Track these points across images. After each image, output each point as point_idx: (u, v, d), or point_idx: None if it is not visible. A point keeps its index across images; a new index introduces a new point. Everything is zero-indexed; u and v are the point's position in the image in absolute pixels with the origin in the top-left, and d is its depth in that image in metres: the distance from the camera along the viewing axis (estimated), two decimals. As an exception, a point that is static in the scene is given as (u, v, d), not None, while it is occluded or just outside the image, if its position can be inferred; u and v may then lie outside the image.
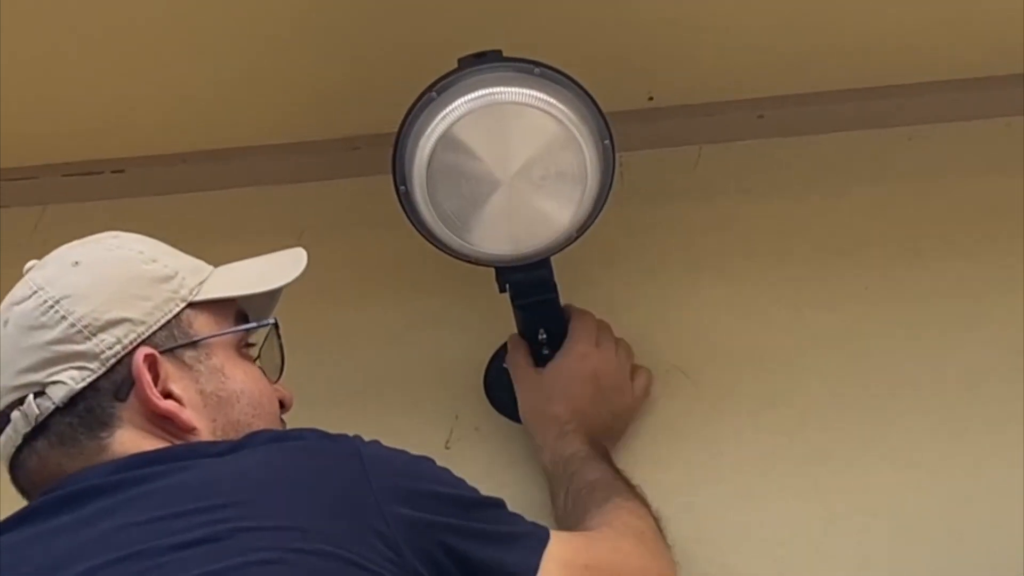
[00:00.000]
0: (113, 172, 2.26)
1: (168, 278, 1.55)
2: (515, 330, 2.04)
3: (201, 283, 1.58)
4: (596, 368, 1.93)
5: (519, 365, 1.97)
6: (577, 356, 1.93)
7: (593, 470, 1.81)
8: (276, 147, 2.24)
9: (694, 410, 2.06)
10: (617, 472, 1.86)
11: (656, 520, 1.80)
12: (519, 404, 1.98)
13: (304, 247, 2.17)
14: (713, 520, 1.99)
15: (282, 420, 1.63)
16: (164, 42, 2.07)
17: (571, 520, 1.78)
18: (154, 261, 1.56)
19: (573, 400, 1.90)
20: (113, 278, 1.54)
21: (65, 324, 1.50)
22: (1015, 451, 1.99)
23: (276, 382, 1.65)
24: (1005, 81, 2.16)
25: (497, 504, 1.57)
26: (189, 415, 1.50)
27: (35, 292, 1.52)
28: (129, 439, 1.48)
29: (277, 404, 1.61)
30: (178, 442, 1.49)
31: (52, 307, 1.51)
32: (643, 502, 1.81)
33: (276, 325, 1.63)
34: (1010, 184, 2.14)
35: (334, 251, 2.18)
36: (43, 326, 1.49)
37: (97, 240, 1.60)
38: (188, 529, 1.34)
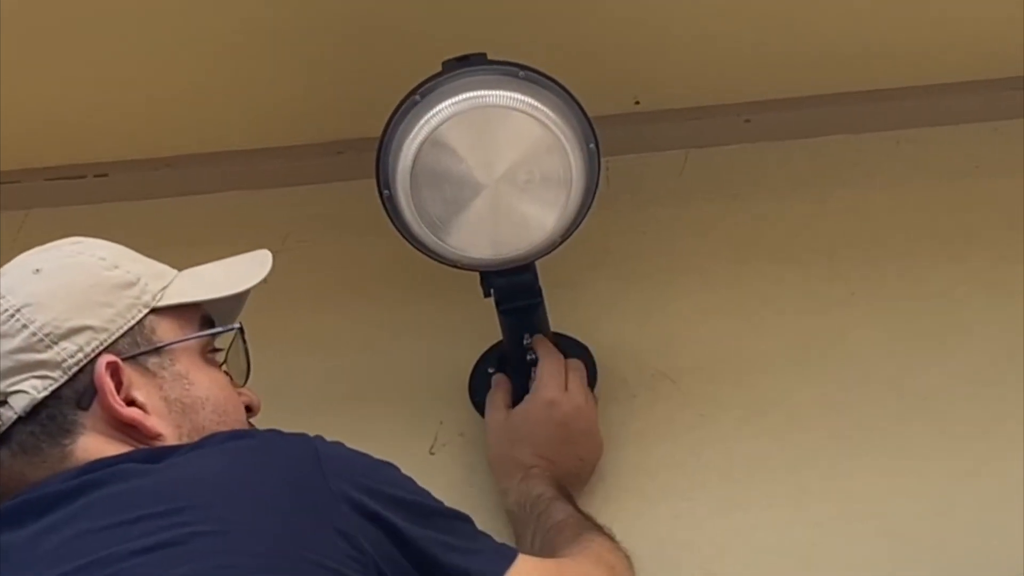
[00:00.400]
0: (96, 176, 2.25)
1: (130, 284, 1.54)
2: (500, 335, 2.03)
3: (164, 288, 1.57)
4: (565, 414, 1.91)
5: (494, 406, 1.95)
6: (545, 402, 1.91)
7: (560, 511, 1.80)
8: (260, 151, 2.23)
9: (679, 416, 2.05)
10: (584, 514, 1.84)
11: (627, 557, 1.78)
12: (487, 446, 1.96)
13: (288, 252, 2.19)
14: (699, 527, 1.98)
15: (250, 424, 1.62)
16: (148, 46, 2.06)
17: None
18: (116, 267, 1.55)
19: (539, 446, 1.89)
20: (74, 285, 1.53)
21: (26, 333, 1.49)
22: (1003, 456, 1.98)
23: (243, 387, 1.64)
24: (993, 85, 2.16)
25: (463, 518, 1.55)
26: (154, 422, 1.49)
27: None
28: (93, 446, 1.47)
29: (243, 410, 1.59)
30: (142, 448, 1.48)
31: (13, 316, 1.49)
32: (611, 538, 1.79)
33: (241, 329, 1.62)
34: (998, 187, 2.14)
35: (318, 256, 2.19)
36: (4, 335, 1.48)
37: (58, 246, 1.58)
38: (146, 534, 1.33)
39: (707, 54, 2.12)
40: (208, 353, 1.59)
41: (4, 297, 1.50)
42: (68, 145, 2.22)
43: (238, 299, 1.65)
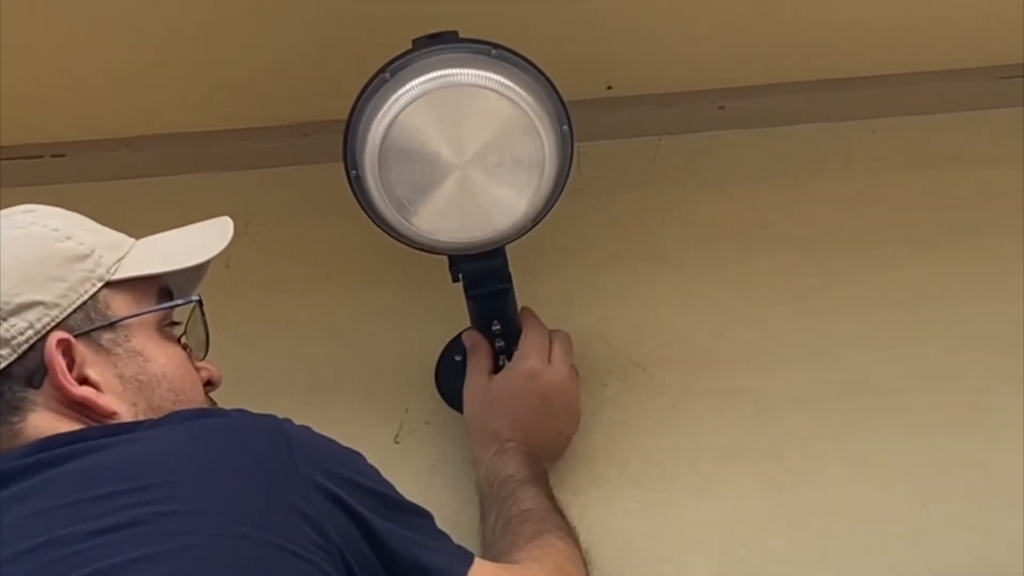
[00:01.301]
0: (54, 156, 2.21)
1: (84, 256, 1.50)
2: (468, 322, 2.00)
3: (120, 260, 1.52)
4: (547, 385, 1.88)
5: (476, 370, 1.92)
6: (527, 373, 1.88)
7: (528, 497, 1.76)
8: (223, 132, 2.19)
9: (651, 406, 2.02)
10: (552, 501, 1.81)
11: (585, 565, 1.75)
12: (464, 410, 1.93)
13: (251, 235, 2.15)
14: (670, 519, 1.95)
15: (210, 399, 1.58)
16: (107, 22, 2.02)
17: (499, 548, 1.73)
18: (69, 239, 1.51)
19: (517, 417, 1.85)
20: (25, 259, 1.48)
21: None
22: (978, 451, 1.97)
23: (203, 359, 1.60)
24: (971, 74, 2.14)
25: (424, 514, 1.52)
26: (107, 400, 1.45)
27: None
28: (44, 422, 1.43)
29: (201, 388, 1.55)
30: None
31: None
32: (574, 540, 1.76)
33: (200, 302, 1.57)
34: (973, 178, 2.12)
35: (282, 240, 2.15)
36: None
37: (9, 215, 1.54)
38: (107, 513, 1.29)
39: (681, 39, 2.09)
40: (165, 327, 1.54)
41: None
42: (24, 124, 2.17)
43: (198, 269, 1.60)
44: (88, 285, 1.48)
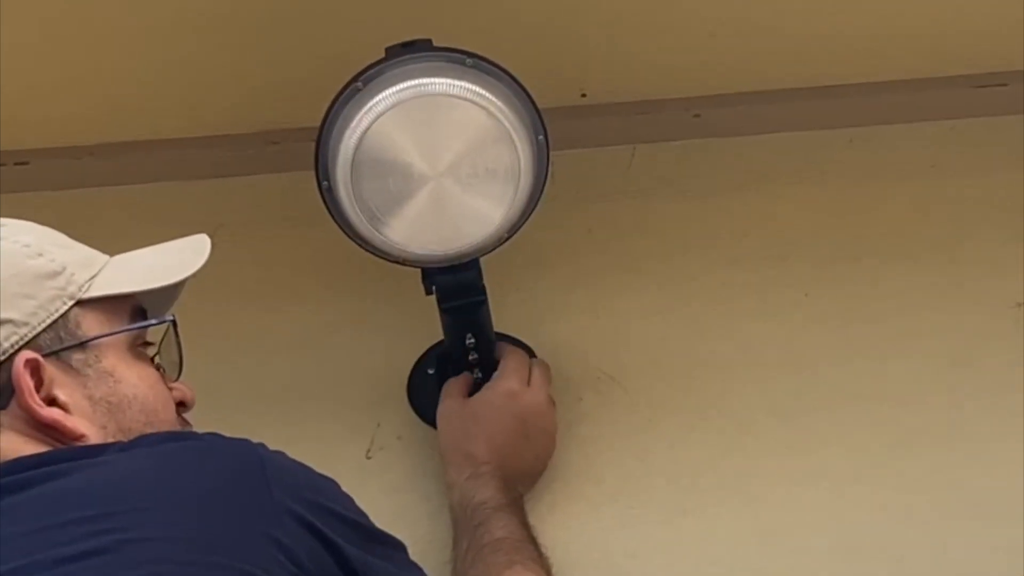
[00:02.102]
0: (16, 164, 2.17)
1: (55, 274, 1.47)
2: (441, 334, 1.97)
3: (92, 278, 1.49)
4: (526, 407, 1.85)
5: (450, 394, 1.89)
6: (505, 393, 1.85)
7: (501, 525, 1.73)
8: (190, 140, 2.16)
9: (626, 420, 1.99)
10: (526, 530, 1.77)
11: None
12: (439, 431, 1.90)
13: (219, 245, 2.08)
14: (645, 535, 1.93)
15: (184, 420, 1.54)
16: (71, 28, 1.99)
17: None
18: (40, 255, 1.48)
19: (494, 439, 1.82)
20: None
21: None
22: (959, 466, 1.95)
23: (176, 380, 1.56)
24: (949, 82, 2.13)
25: (397, 546, 1.49)
26: (76, 422, 1.42)
27: None
28: (9, 444, 1.41)
29: (173, 410, 1.52)
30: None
31: None
32: (546, 571, 1.73)
33: (174, 322, 1.54)
34: (951, 187, 2.10)
35: (251, 250, 2.12)
36: None
37: None
38: (74, 540, 1.25)
39: (656, 46, 2.07)
40: (138, 347, 1.51)
41: None
42: (-14, 132, 2.13)
43: (172, 288, 1.57)
44: (59, 303, 1.46)
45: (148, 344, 1.54)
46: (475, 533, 1.74)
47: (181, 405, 1.54)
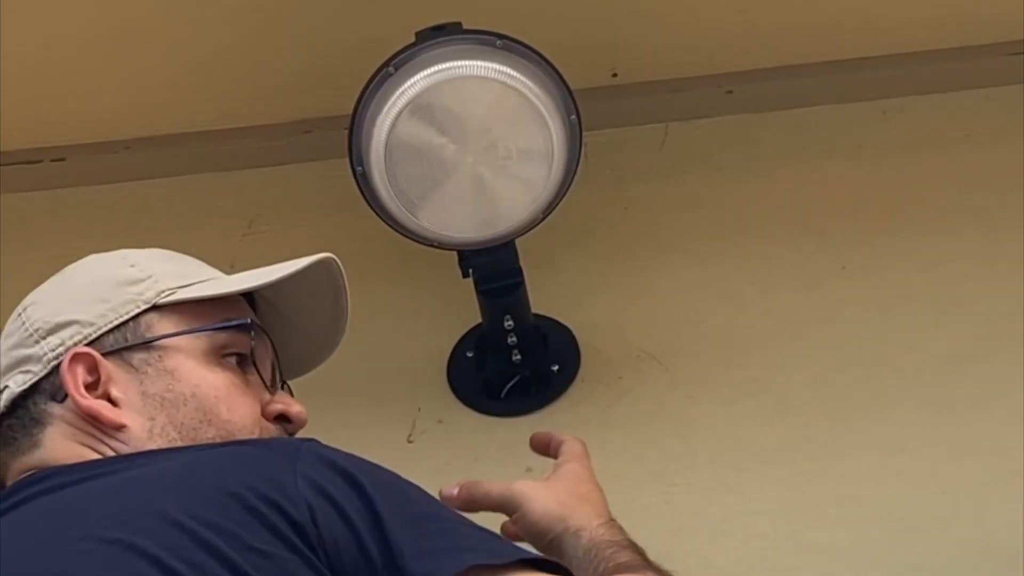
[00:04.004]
0: (53, 161, 2.19)
1: (137, 281, 1.48)
2: (479, 317, 1.97)
3: (184, 287, 1.49)
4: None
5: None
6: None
7: (626, 554, 1.62)
8: (224, 132, 2.17)
9: (667, 398, 2.00)
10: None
11: None
12: (557, 485, 1.78)
13: (255, 235, 2.12)
14: (690, 512, 1.93)
15: (284, 431, 1.51)
16: (105, 26, 2.01)
17: None
18: (132, 267, 1.50)
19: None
20: (78, 282, 1.50)
21: (22, 330, 1.47)
22: (1001, 434, 1.94)
23: (277, 392, 1.53)
24: (983, 51, 2.12)
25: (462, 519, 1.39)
26: (117, 413, 1.43)
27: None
28: (59, 435, 1.43)
29: (253, 417, 1.48)
30: (109, 441, 1.42)
31: (19, 315, 1.49)
32: None
33: (254, 327, 1.51)
34: (990, 157, 2.09)
35: (287, 239, 2.12)
36: (10, 334, 1.48)
37: (105, 256, 1.54)
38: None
39: (686, 23, 2.08)
40: (223, 356, 1.50)
41: (24, 301, 1.50)
42: (23, 129, 2.15)
43: (291, 308, 1.54)
44: (131, 307, 1.47)
45: (242, 356, 1.52)
46: (604, 559, 1.61)
47: (284, 419, 1.53)
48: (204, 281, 1.50)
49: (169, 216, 2.16)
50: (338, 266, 1.53)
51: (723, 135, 2.14)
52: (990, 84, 2.13)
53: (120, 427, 1.43)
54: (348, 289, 1.55)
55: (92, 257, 1.53)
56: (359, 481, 1.31)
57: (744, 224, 2.09)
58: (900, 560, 1.89)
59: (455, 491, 1.50)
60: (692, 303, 2.05)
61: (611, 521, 1.59)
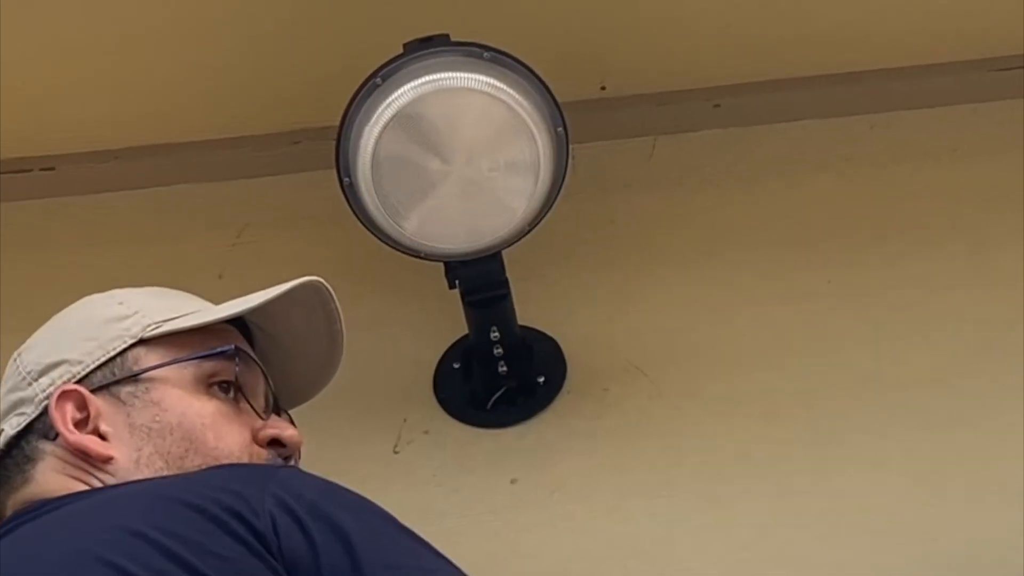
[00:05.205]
0: (43, 170, 2.19)
1: (124, 317, 1.50)
2: (465, 328, 1.98)
3: (170, 320, 1.50)
4: None
5: None
6: None
7: None
8: (213, 142, 2.18)
9: (654, 411, 2.00)
10: None
11: None
12: None
13: (244, 246, 2.13)
14: (676, 524, 1.93)
15: (282, 460, 1.51)
16: (95, 36, 2.01)
17: None
18: (119, 304, 1.52)
19: None
20: (67, 324, 1.53)
21: (17, 374, 1.51)
22: (985, 447, 1.94)
23: (269, 417, 1.53)
24: (967, 67, 2.13)
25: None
26: (104, 446, 1.46)
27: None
28: (50, 470, 1.46)
29: (244, 443, 1.48)
30: (97, 474, 1.44)
31: (15, 360, 1.52)
32: None
33: (239, 354, 1.51)
34: (974, 172, 2.10)
35: (275, 249, 2.13)
36: (7, 379, 1.51)
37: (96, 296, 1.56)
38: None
39: (675, 37, 2.08)
40: (211, 384, 1.50)
41: (21, 347, 1.53)
42: (12, 138, 2.14)
43: (283, 341, 1.54)
44: (118, 342, 1.49)
45: (229, 384, 1.52)
46: None
47: (277, 444, 1.53)
48: (191, 313, 1.51)
49: (158, 226, 2.17)
50: (328, 290, 1.54)
51: (711, 148, 2.15)
52: (977, 99, 2.13)
53: (108, 459, 1.45)
54: (341, 312, 1.55)
55: (83, 299, 1.55)
56: (329, 510, 1.31)
57: (731, 237, 2.09)
58: (885, 573, 1.90)
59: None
60: (679, 315, 2.05)
61: None
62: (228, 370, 1.49)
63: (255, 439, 1.48)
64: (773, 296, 2.05)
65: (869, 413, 1.98)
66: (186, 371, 1.48)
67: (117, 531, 1.29)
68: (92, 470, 1.45)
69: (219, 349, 1.49)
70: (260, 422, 1.49)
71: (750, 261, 2.08)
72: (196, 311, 1.51)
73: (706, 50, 2.10)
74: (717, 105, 2.15)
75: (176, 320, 1.49)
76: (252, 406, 1.50)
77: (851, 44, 2.11)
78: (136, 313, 1.49)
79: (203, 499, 1.29)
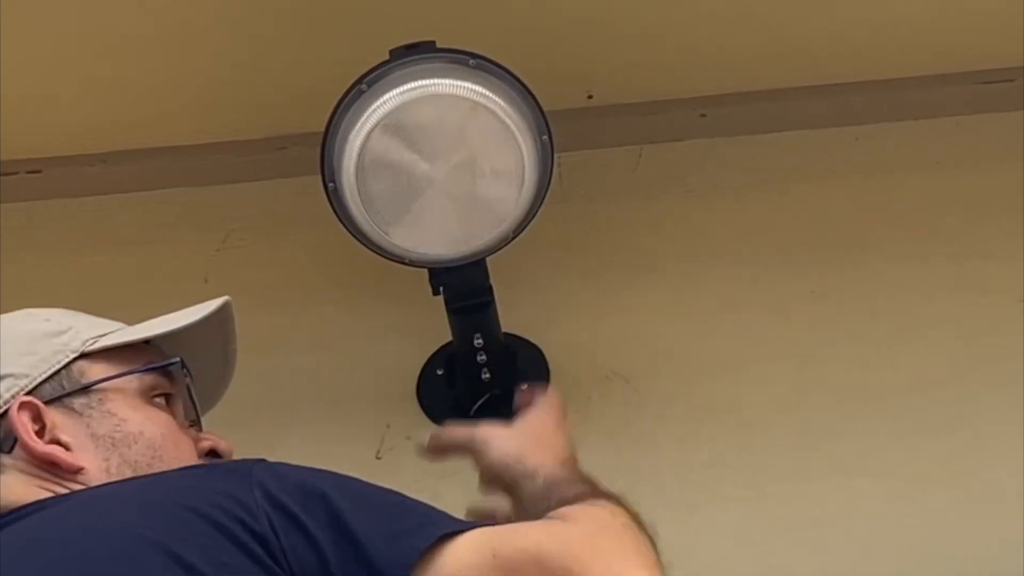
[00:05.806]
0: (29, 173, 2.19)
1: (58, 333, 1.53)
2: (449, 335, 1.98)
3: (103, 336, 1.53)
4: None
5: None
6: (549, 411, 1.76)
7: (575, 487, 1.62)
8: (199, 147, 2.17)
9: (635, 418, 2.00)
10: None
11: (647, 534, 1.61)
12: (503, 442, 1.77)
13: (229, 250, 2.13)
14: (657, 531, 1.92)
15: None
16: (81, 39, 2.01)
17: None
18: (47, 321, 1.54)
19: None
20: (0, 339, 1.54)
21: None
22: (967, 457, 1.95)
23: (202, 430, 1.56)
24: (952, 80, 2.13)
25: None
26: (75, 456, 1.47)
27: None
28: (15, 483, 1.45)
29: (194, 454, 1.52)
30: (67, 483, 1.45)
31: None
32: (631, 512, 1.61)
33: (183, 366, 1.54)
34: (957, 184, 2.11)
35: (260, 254, 2.13)
36: None
37: (10, 315, 1.58)
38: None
39: (662, 47, 2.08)
40: (155, 397, 1.53)
41: None
42: (-2, 141, 2.15)
43: (213, 352, 1.59)
44: (60, 356, 1.52)
45: (166, 396, 1.55)
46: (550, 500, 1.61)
47: (214, 454, 1.55)
48: (116, 331, 1.55)
49: (144, 230, 2.17)
50: (231, 311, 1.58)
51: (697, 158, 2.15)
52: (961, 112, 2.14)
53: (78, 470, 1.46)
54: (237, 332, 1.60)
55: (4, 318, 1.55)
56: (314, 488, 1.33)
57: (715, 247, 2.10)
58: (865, 582, 1.91)
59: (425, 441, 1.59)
60: (662, 325, 2.06)
61: (569, 461, 1.61)
62: (166, 383, 1.53)
63: (196, 449, 1.53)
64: (757, 305, 2.06)
65: (851, 422, 1.99)
66: (132, 384, 1.52)
67: (127, 528, 1.30)
68: (61, 480, 1.45)
69: (167, 362, 1.53)
70: (195, 433, 1.54)
71: (735, 270, 2.08)
72: (117, 329, 1.55)
73: (693, 60, 2.10)
74: (703, 115, 2.16)
75: (107, 336, 1.53)
76: (189, 418, 1.55)
77: (836, 56, 2.11)
78: (70, 329, 1.53)
79: (202, 502, 1.30)
